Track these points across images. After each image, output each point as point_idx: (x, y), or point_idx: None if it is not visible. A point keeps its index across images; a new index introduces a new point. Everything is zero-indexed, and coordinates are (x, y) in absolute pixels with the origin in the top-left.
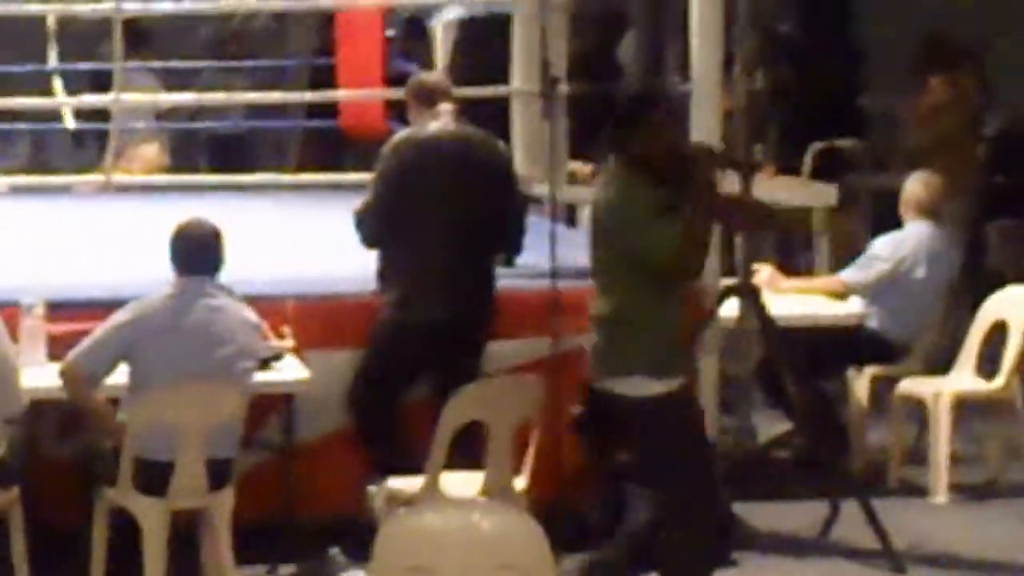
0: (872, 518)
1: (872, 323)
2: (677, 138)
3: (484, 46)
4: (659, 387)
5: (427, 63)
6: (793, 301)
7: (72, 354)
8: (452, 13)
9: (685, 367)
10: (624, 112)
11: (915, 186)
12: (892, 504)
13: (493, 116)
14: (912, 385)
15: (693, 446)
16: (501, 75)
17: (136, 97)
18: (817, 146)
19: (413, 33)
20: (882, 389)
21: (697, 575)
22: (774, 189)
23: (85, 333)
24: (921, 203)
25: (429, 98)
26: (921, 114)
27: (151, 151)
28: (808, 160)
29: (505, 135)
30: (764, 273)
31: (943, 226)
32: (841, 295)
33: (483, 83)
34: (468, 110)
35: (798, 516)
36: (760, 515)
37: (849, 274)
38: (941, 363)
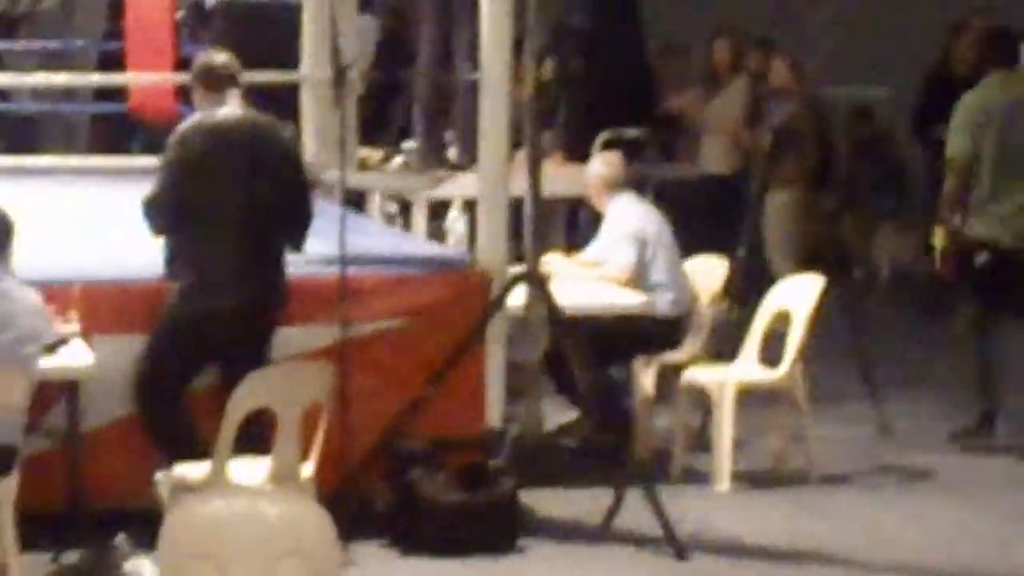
0: (656, 505)
1: (652, 308)
2: None
3: (246, 31)
4: None
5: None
6: (581, 289)
7: None
8: None
9: None
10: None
11: (598, 168)
12: (676, 491)
13: (272, 101)
14: (697, 374)
15: None
16: (265, 60)
17: None
18: (605, 135)
19: (201, 17)
20: (668, 377)
21: None
22: (562, 176)
23: None
24: (611, 180)
25: (216, 83)
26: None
27: None
28: (596, 149)
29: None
30: (555, 261)
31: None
32: (627, 283)
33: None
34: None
35: (584, 503)
36: (546, 502)
37: (623, 260)
38: (726, 351)
